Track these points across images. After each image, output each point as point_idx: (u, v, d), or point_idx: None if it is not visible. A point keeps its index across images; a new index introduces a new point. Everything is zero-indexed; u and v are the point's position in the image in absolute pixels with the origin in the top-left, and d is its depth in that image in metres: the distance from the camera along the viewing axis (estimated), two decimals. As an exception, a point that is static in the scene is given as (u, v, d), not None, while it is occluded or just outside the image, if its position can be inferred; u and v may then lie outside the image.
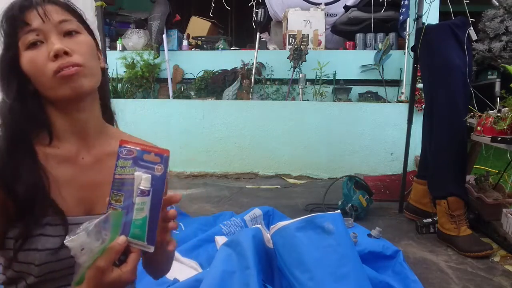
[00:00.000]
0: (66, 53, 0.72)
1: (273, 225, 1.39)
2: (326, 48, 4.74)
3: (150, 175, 0.67)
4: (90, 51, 0.77)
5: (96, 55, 0.79)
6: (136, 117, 4.22)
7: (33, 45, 0.72)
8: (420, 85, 3.42)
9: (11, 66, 0.73)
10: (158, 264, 0.84)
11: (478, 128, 2.24)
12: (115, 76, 4.59)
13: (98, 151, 0.81)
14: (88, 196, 0.77)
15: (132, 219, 0.67)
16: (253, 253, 1.26)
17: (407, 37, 4.14)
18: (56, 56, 0.71)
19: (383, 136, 3.99)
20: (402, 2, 4.34)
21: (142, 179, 0.67)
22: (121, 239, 0.64)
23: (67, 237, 0.63)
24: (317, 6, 4.73)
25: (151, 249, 0.67)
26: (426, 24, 2.68)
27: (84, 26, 0.79)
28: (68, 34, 0.75)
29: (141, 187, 0.67)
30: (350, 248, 1.29)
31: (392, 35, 4.55)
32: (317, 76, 4.35)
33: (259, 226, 1.51)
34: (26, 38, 0.72)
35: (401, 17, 4.34)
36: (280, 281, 1.27)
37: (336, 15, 5.04)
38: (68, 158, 0.78)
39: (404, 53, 4.26)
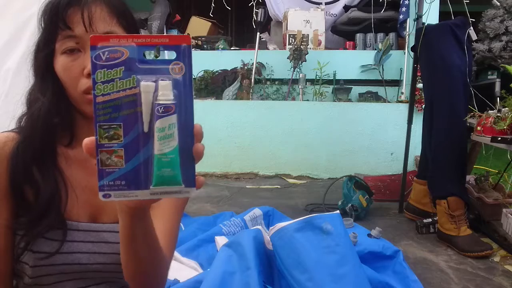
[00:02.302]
0: None
1: (272, 227, 1.39)
2: (326, 48, 4.74)
3: (170, 80, 0.43)
4: None
5: None
6: (136, 117, 4.21)
7: (70, 51, 0.69)
8: (420, 85, 3.42)
9: (47, 64, 0.71)
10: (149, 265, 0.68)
11: (478, 128, 2.24)
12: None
13: None
14: (96, 203, 0.75)
15: (155, 154, 0.44)
16: (254, 254, 1.26)
17: (407, 37, 4.14)
18: (89, 74, 0.67)
19: (383, 136, 3.99)
20: (402, 2, 4.34)
21: (160, 87, 0.43)
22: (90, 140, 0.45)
23: None
24: (317, 6, 4.73)
25: (192, 192, 0.45)
26: (426, 24, 2.68)
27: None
28: None
29: (160, 101, 0.43)
30: (349, 249, 1.29)
31: (392, 35, 4.55)
32: (317, 76, 4.35)
33: (259, 227, 1.51)
34: (64, 43, 0.69)
35: (401, 17, 4.34)
36: (280, 283, 1.28)
37: (336, 15, 5.05)
38: (81, 162, 0.75)
39: (404, 53, 4.26)
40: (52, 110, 0.70)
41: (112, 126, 0.43)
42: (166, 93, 0.43)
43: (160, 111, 0.43)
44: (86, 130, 0.76)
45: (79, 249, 0.72)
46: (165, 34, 4.44)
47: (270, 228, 1.42)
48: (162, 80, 0.43)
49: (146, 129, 0.44)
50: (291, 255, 1.25)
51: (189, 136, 0.45)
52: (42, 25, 0.71)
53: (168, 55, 0.44)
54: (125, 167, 0.44)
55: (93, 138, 0.44)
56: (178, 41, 0.43)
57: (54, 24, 0.68)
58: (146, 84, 0.43)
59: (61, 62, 0.69)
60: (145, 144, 0.44)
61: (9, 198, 0.70)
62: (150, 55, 0.45)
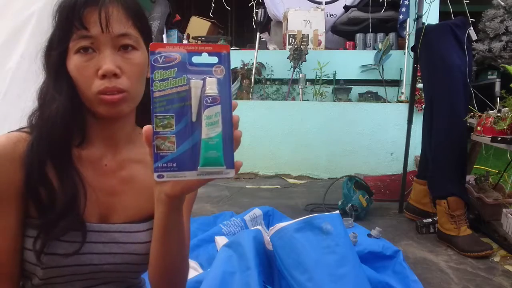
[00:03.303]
0: (115, 74, 0.67)
1: (272, 227, 1.39)
2: (326, 48, 4.74)
3: (215, 78, 0.54)
4: (139, 73, 0.71)
5: (145, 74, 0.74)
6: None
7: (84, 51, 0.68)
8: (420, 85, 3.42)
9: (61, 62, 0.70)
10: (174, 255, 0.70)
11: (478, 128, 2.24)
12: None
13: (123, 158, 0.77)
14: (106, 203, 0.74)
15: (202, 139, 0.52)
16: (254, 255, 1.26)
17: (407, 37, 4.14)
18: (104, 75, 0.67)
19: (383, 136, 3.99)
20: (402, 2, 4.34)
21: (207, 83, 0.53)
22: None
23: None
24: (317, 6, 4.73)
25: (232, 173, 0.54)
26: (426, 24, 2.68)
27: (143, 36, 0.73)
28: (124, 47, 0.70)
29: (208, 94, 0.53)
30: (349, 249, 1.29)
31: (392, 35, 4.55)
32: (317, 76, 4.35)
33: (259, 227, 1.51)
34: (79, 42, 0.68)
35: (401, 17, 4.34)
36: (280, 283, 1.28)
37: (336, 15, 5.05)
38: (92, 162, 0.74)
39: (404, 53, 4.26)
40: (69, 109, 0.70)
41: (166, 117, 0.52)
42: (212, 87, 0.53)
43: (209, 102, 0.52)
44: (97, 131, 0.75)
45: (90, 250, 0.71)
46: (164, 35, 4.46)
47: (270, 228, 1.42)
48: (209, 78, 0.53)
49: (194, 118, 0.53)
50: (291, 255, 1.25)
51: (229, 125, 0.54)
52: (56, 22, 0.70)
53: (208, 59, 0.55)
54: (176, 151, 0.53)
55: (151, 126, 0.52)
56: (220, 49, 0.56)
57: (69, 23, 0.68)
58: (195, 81, 0.53)
59: (74, 62, 0.68)
60: (193, 132, 0.53)
61: (22, 199, 0.69)
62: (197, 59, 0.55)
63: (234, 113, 0.55)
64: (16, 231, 0.69)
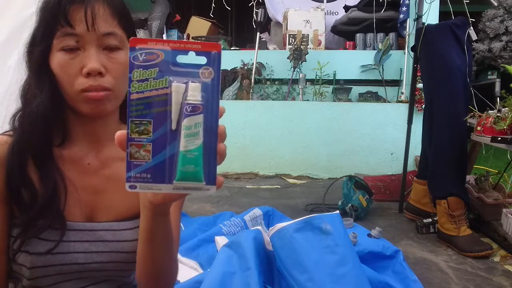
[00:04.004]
0: (99, 73, 0.67)
1: (272, 227, 1.39)
2: (326, 48, 4.74)
3: (199, 83, 0.47)
4: (124, 72, 0.69)
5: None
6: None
7: (68, 48, 0.67)
8: (420, 85, 3.42)
9: (43, 59, 0.69)
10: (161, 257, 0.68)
11: (478, 128, 2.24)
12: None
13: (107, 156, 0.76)
14: (90, 202, 0.74)
15: (181, 151, 0.46)
16: (254, 255, 1.26)
17: (407, 37, 4.14)
18: (89, 74, 0.67)
19: (383, 136, 3.99)
20: (402, 2, 4.34)
21: (189, 88, 0.46)
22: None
23: None
24: (317, 6, 4.73)
25: (212, 189, 0.48)
26: (426, 24, 2.68)
27: (128, 35, 0.73)
28: (108, 48, 0.69)
29: (189, 101, 0.46)
30: (348, 249, 1.29)
31: (392, 35, 4.55)
32: (317, 76, 4.35)
33: (259, 228, 1.51)
34: (63, 40, 0.67)
35: (401, 16, 4.34)
36: (280, 283, 1.27)
37: (337, 13, 5.05)
38: (74, 161, 0.74)
39: (404, 53, 4.26)
40: (50, 107, 0.69)
41: (143, 122, 0.46)
42: (194, 94, 0.46)
43: (188, 110, 0.46)
44: (79, 129, 0.75)
45: (75, 249, 0.71)
46: (164, 35, 4.46)
47: (270, 228, 1.42)
48: (192, 82, 0.46)
49: (174, 127, 0.47)
50: (291, 255, 1.25)
51: (213, 136, 0.47)
52: (40, 18, 0.69)
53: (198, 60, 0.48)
54: (152, 161, 0.47)
55: (124, 131, 0.47)
56: (209, 48, 0.47)
57: (54, 20, 0.67)
58: (177, 85, 0.46)
59: (58, 59, 0.68)
60: (171, 141, 0.47)
61: (5, 200, 0.69)
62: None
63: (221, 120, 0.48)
64: (2, 234, 0.69)
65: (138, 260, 0.68)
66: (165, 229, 0.62)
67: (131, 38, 0.47)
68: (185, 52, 0.47)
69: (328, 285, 1.16)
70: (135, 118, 0.46)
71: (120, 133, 0.47)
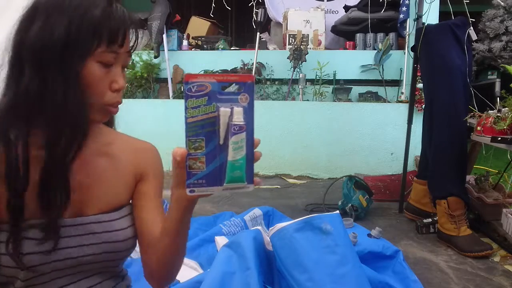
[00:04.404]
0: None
1: (272, 227, 1.39)
2: (326, 48, 4.74)
3: (241, 108, 0.60)
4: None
5: None
6: (136, 117, 4.22)
7: (107, 63, 0.71)
8: (420, 85, 3.42)
9: (80, 65, 0.69)
10: (174, 256, 0.78)
11: (478, 128, 2.24)
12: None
13: (86, 153, 0.76)
14: (76, 198, 0.74)
15: (228, 160, 0.60)
16: (254, 255, 1.26)
17: (407, 37, 4.14)
18: (117, 90, 0.73)
19: (383, 136, 3.99)
20: (402, 1, 4.34)
21: (234, 112, 0.60)
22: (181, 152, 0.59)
23: None
24: (318, 6, 4.73)
25: (251, 187, 0.62)
26: (426, 24, 2.68)
27: None
28: (124, 66, 0.76)
29: (235, 122, 0.60)
30: (348, 249, 1.29)
31: (392, 35, 4.55)
32: (317, 76, 4.35)
33: (259, 228, 1.51)
34: (106, 55, 0.70)
35: (401, 16, 4.34)
36: (280, 283, 1.27)
37: (338, 12, 5.05)
38: None
39: (404, 53, 4.26)
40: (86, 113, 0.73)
41: (198, 140, 0.59)
42: (239, 117, 0.60)
43: (236, 130, 0.59)
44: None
45: (68, 244, 0.72)
46: (164, 35, 4.46)
47: (270, 228, 1.42)
48: (236, 107, 0.60)
49: (221, 142, 0.60)
50: (291, 255, 1.25)
51: (251, 147, 0.61)
52: (86, 28, 0.68)
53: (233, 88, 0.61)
54: (206, 170, 0.60)
55: (185, 149, 0.59)
56: (245, 78, 0.61)
57: (112, 37, 0.70)
58: (224, 110, 0.59)
59: (96, 71, 0.70)
60: (220, 153, 0.60)
61: None
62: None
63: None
64: None
65: (158, 251, 0.77)
66: (188, 223, 0.73)
67: (186, 74, 0.58)
68: (227, 83, 0.60)
69: (328, 285, 1.16)
70: (192, 137, 0.59)
71: (181, 151, 0.59)
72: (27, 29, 0.68)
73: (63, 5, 0.68)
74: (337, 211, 1.41)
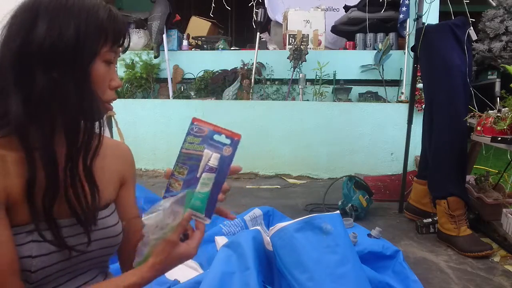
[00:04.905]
0: None
1: (272, 227, 1.39)
2: (326, 47, 4.74)
3: (219, 155, 0.73)
4: None
5: None
6: (136, 117, 4.22)
7: (108, 62, 0.75)
8: (420, 85, 3.42)
9: (90, 64, 0.71)
10: None
11: (478, 128, 2.24)
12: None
13: None
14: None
15: (195, 191, 0.72)
16: (253, 255, 1.26)
17: (407, 37, 4.14)
18: (114, 88, 0.76)
19: (383, 136, 3.99)
20: (402, 1, 4.34)
21: (212, 157, 0.72)
22: (187, 214, 0.70)
23: (144, 215, 0.66)
24: (318, 6, 4.73)
25: (208, 221, 0.74)
26: (426, 24, 2.68)
27: None
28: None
29: (209, 164, 0.72)
30: (348, 248, 1.29)
31: (392, 35, 4.55)
32: (317, 76, 4.35)
33: (258, 228, 1.50)
34: (110, 54, 0.74)
35: (401, 16, 4.33)
36: (280, 283, 1.27)
37: (339, 9, 5.06)
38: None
39: (404, 53, 4.26)
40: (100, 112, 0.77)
41: (183, 167, 0.73)
42: (214, 161, 0.73)
43: (207, 169, 0.72)
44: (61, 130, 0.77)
45: (70, 244, 0.73)
46: (164, 35, 4.45)
47: (270, 228, 1.42)
48: (215, 153, 0.73)
49: (198, 175, 0.73)
50: (292, 255, 1.25)
51: (218, 189, 0.73)
52: (94, 28, 0.71)
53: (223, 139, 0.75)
54: (179, 192, 0.72)
55: (190, 214, 0.72)
56: (234, 135, 0.75)
57: (116, 37, 0.74)
58: (207, 152, 0.73)
59: (101, 69, 0.73)
60: (194, 184, 0.73)
61: (5, 207, 0.68)
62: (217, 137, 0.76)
63: None
64: (10, 248, 0.67)
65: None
66: None
67: (193, 117, 0.75)
68: (220, 133, 0.74)
69: (328, 285, 1.16)
70: (179, 163, 0.73)
71: (169, 170, 0.74)
72: (29, 32, 0.68)
73: (67, 7, 0.70)
74: (337, 211, 1.41)
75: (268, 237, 1.40)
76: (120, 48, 0.77)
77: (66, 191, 0.71)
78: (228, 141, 0.74)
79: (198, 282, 1.39)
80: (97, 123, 0.74)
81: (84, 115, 0.71)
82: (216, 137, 0.73)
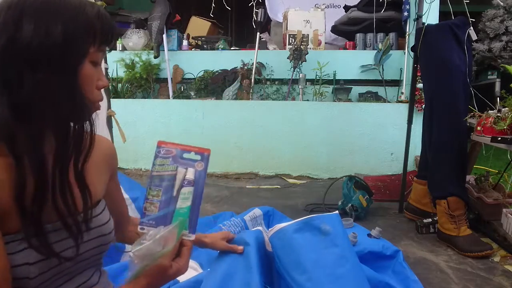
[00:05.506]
0: None
1: (271, 228, 1.39)
2: (326, 44, 4.73)
3: (194, 169, 0.76)
4: None
5: None
6: (136, 117, 4.22)
7: (96, 63, 0.74)
8: (420, 85, 3.42)
9: (80, 65, 0.70)
10: None
11: (478, 128, 2.24)
12: (115, 77, 4.60)
13: None
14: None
15: (176, 208, 0.74)
16: (256, 255, 1.26)
17: (407, 37, 4.14)
18: (101, 87, 0.75)
19: (383, 136, 3.99)
20: (405, 0, 4.32)
21: (188, 171, 0.76)
22: (180, 241, 0.71)
23: (131, 247, 0.67)
24: (318, 6, 4.73)
25: (192, 237, 0.76)
26: (426, 24, 2.68)
27: None
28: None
29: (187, 178, 0.75)
30: (347, 249, 1.29)
31: (392, 35, 4.55)
32: (317, 76, 4.35)
33: (260, 228, 1.51)
34: (98, 54, 0.73)
35: (405, 13, 4.30)
36: (279, 284, 1.27)
37: (340, 6, 5.06)
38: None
39: (404, 53, 4.26)
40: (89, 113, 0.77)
41: (156, 190, 0.75)
42: (190, 175, 0.76)
43: (185, 183, 0.75)
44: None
45: (63, 247, 0.72)
46: (164, 35, 4.45)
47: (269, 229, 1.42)
48: (190, 168, 0.77)
49: (174, 194, 0.75)
50: (290, 255, 1.24)
51: (198, 203, 0.77)
52: (83, 28, 0.69)
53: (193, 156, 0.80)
54: (157, 214, 0.75)
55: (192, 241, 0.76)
56: (203, 151, 0.78)
57: (104, 37, 0.73)
58: (180, 169, 0.76)
59: (89, 70, 0.72)
60: (171, 203, 0.75)
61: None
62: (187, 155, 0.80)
63: None
64: (4, 249, 0.66)
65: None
66: None
67: (159, 141, 0.78)
68: (188, 152, 0.78)
69: (327, 285, 1.16)
70: (152, 187, 0.75)
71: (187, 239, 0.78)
72: (15, 32, 0.64)
73: (54, 7, 0.67)
74: (336, 211, 1.41)
75: (267, 238, 1.40)
76: (107, 45, 0.76)
77: (54, 196, 0.68)
78: (198, 157, 0.77)
79: (198, 281, 1.39)
80: (88, 125, 0.72)
81: (74, 117, 0.69)
82: (185, 155, 0.77)
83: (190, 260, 1.92)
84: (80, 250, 0.74)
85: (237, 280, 1.21)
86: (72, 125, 0.69)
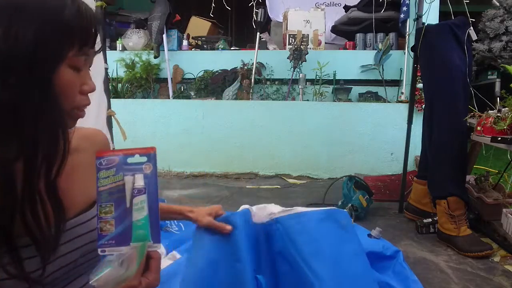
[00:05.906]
0: None
1: (288, 208, 1.36)
2: (327, 43, 4.74)
3: (142, 174, 0.68)
4: None
5: None
6: (136, 117, 4.22)
7: (78, 68, 0.67)
8: (420, 85, 3.42)
9: (54, 71, 0.63)
10: None
11: (478, 128, 2.24)
12: (115, 77, 4.60)
13: None
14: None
15: (132, 221, 0.67)
16: (245, 240, 1.17)
17: (407, 37, 4.14)
18: (87, 92, 0.69)
19: (383, 136, 3.99)
20: (403, 1, 4.33)
21: (135, 178, 0.68)
22: (144, 260, 0.65)
23: (91, 276, 0.61)
24: (318, 6, 4.74)
25: (158, 247, 0.68)
26: (426, 24, 2.68)
27: None
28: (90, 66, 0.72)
29: (136, 187, 0.67)
30: (361, 246, 1.29)
31: (392, 35, 4.55)
32: (317, 76, 4.35)
33: (247, 206, 1.46)
34: (79, 59, 0.66)
35: (402, 15, 4.32)
36: (279, 266, 1.21)
37: (340, 4, 5.07)
38: None
39: (404, 53, 4.26)
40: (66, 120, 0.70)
41: (108, 205, 0.67)
42: (139, 182, 0.68)
43: (135, 193, 0.67)
44: None
45: (60, 253, 0.70)
46: (164, 35, 4.45)
47: (284, 209, 1.39)
48: (137, 174, 0.68)
49: (128, 205, 0.67)
50: (312, 244, 1.19)
51: (155, 209, 0.68)
52: (59, 31, 0.63)
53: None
54: (114, 232, 0.67)
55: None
56: (148, 150, 0.69)
57: (82, 40, 0.66)
58: (128, 178, 0.68)
59: (68, 76, 0.65)
60: (127, 216, 0.67)
61: None
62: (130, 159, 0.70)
63: None
64: None
65: None
66: None
67: (97, 151, 0.68)
68: (132, 156, 0.69)
69: (345, 279, 1.15)
70: (102, 203, 0.67)
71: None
72: None
73: (27, 7, 0.61)
74: (344, 210, 1.41)
75: (276, 215, 1.36)
76: (92, 50, 0.69)
77: (23, 210, 0.63)
78: (144, 159, 0.69)
79: (173, 273, 1.32)
80: (61, 133, 0.65)
81: (45, 127, 0.62)
82: (130, 160, 0.68)
83: (176, 253, 1.85)
84: (72, 258, 0.71)
85: (223, 268, 1.13)
86: (43, 133, 0.63)
